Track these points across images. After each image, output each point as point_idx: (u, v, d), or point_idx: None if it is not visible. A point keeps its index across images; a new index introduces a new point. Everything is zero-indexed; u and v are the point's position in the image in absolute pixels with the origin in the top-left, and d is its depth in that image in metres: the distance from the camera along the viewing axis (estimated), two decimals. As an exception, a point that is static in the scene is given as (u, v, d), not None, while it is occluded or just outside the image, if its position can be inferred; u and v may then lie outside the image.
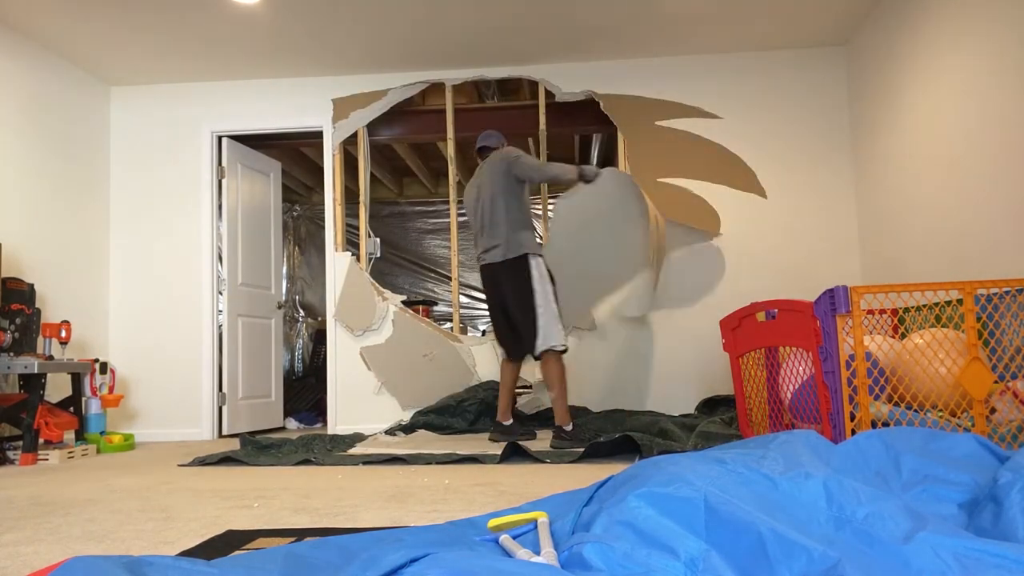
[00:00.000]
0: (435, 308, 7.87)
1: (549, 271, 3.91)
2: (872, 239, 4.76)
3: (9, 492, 2.84)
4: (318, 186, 7.96)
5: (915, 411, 2.71)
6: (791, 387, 3.05)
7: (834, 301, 2.69)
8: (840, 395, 2.68)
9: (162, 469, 3.44)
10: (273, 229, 5.86)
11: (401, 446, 3.93)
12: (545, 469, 3.06)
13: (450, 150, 5.35)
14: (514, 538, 1.38)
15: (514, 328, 3.94)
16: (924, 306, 3.41)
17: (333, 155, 5.29)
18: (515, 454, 3.41)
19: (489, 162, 4.02)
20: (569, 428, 3.78)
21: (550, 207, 7.72)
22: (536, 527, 1.39)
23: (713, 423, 3.81)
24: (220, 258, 5.30)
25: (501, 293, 3.95)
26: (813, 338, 2.80)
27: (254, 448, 3.84)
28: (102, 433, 4.48)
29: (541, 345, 3.79)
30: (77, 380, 4.33)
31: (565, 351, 3.85)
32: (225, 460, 3.54)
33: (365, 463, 3.38)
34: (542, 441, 3.99)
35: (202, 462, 3.51)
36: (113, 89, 5.39)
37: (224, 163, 5.33)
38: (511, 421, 4.10)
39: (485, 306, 7.95)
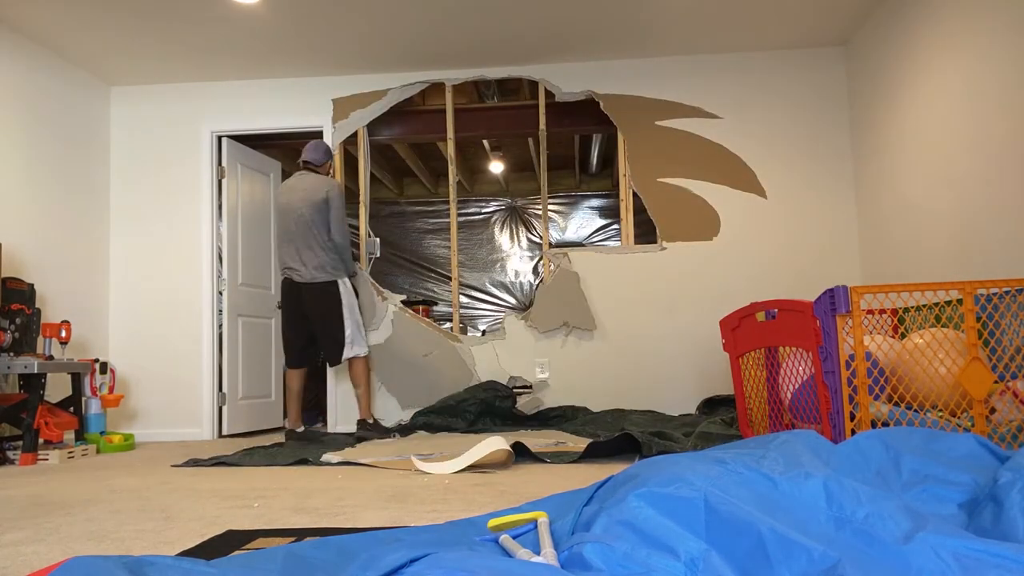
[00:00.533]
0: (435, 308, 7.87)
1: (354, 287, 4.60)
2: (872, 239, 4.76)
3: (9, 492, 2.84)
4: (318, 186, 7.95)
5: (915, 411, 2.71)
6: (791, 387, 3.05)
7: (834, 301, 2.69)
8: (840, 395, 2.68)
9: (162, 469, 3.44)
10: (273, 229, 5.86)
11: (396, 447, 3.92)
12: (545, 469, 3.06)
13: (450, 150, 5.35)
14: (514, 538, 1.38)
15: (310, 339, 4.49)
16: (924, 306, 3.41)
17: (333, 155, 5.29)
18: (516, 454, 3.41)
19: (311, 184, 4.39)
20: (371, 421, 4.44)
21: (550, 207, 7.69)
22: (536, 527, 1.39)
23: (713, 423, 3.81)
24: (220, 258, 5.30)
25: (303, 309, 4.42)
26: (813, 338, 2.80)
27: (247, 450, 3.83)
28: (102, 433, 4.48)
29: (347, 353, 4.40)
30: (77, 380, 4.33)
31: (367, 355, 4.54)
32: (220, 464, 3.54)
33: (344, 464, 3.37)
34: (527, 438, 3.98)
35: (196, 463, 3.52)
36: (113, 89, 5.39)
37: (224, 163, 5.33)
38: (303, 427, 4.58)
39: (486, 306, 7.99)
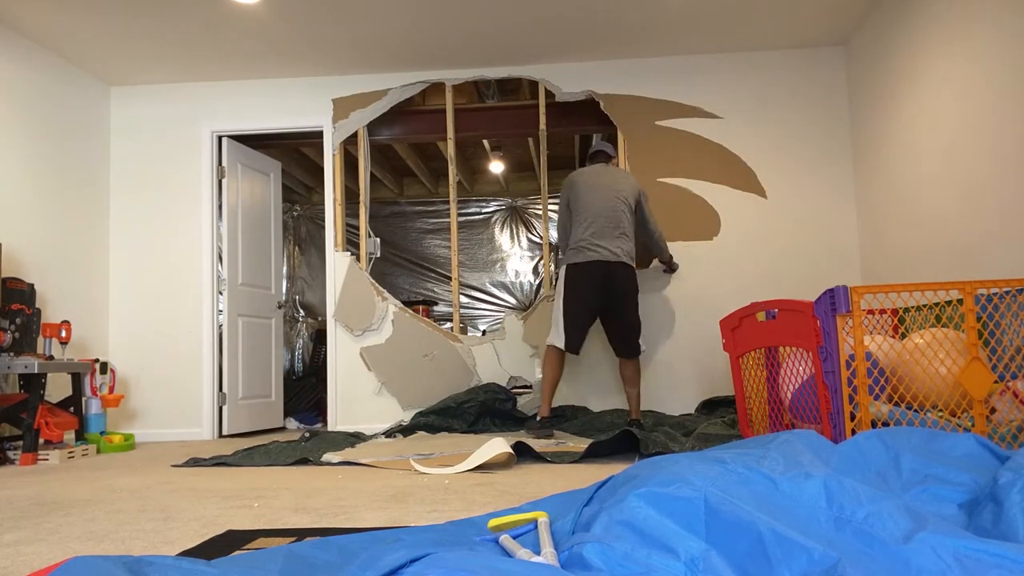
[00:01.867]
0: (435, 308, 7.87)
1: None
2: (872, 238, 4.76)
3: (9, 492, 2.84)
4: (318, 186, 7.96)
5: (915, 411, 2.71)
6: (791, 387, 3.05)
7: (834, 301, 2.69)
8: (840, 395, 2.68)
9: (162, 469, 3.44)
10: (273, 229, 5.86)
11: (396, 447, 3.92)
12: (545, 469, 3.06)
13: (450, 150, 5.35)
14: (514, 538, 1.38)
15: (607, 325, 4.23)
16: (924, 306, 3.41)
17: (333, 155, 5.29)
18: (519, 453, 3.41)
19: (626, 177, 4.29)
20: (637, 419, 4.21)
21: (550, 207, 7.69)
22: (536, 527, 1.39)
23: (713, 424, 3.81)
24: (220, 258, 5.30)
25: (614, 290, 4.12)
26: (813, 338, 2.79)
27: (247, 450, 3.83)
28: (102, 433, 4.48)
29: (642, 346, 4.26)
30: (77, 380, 4.33)
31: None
32: (220, 464, 3.54)
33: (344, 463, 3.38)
34: (528, 438, 3.98)
35: (196, 463, 3.52)
36: (113, 89, 5.39)
37: (224, 163, 5.33)
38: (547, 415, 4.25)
39: (486, 306, 7.99)
